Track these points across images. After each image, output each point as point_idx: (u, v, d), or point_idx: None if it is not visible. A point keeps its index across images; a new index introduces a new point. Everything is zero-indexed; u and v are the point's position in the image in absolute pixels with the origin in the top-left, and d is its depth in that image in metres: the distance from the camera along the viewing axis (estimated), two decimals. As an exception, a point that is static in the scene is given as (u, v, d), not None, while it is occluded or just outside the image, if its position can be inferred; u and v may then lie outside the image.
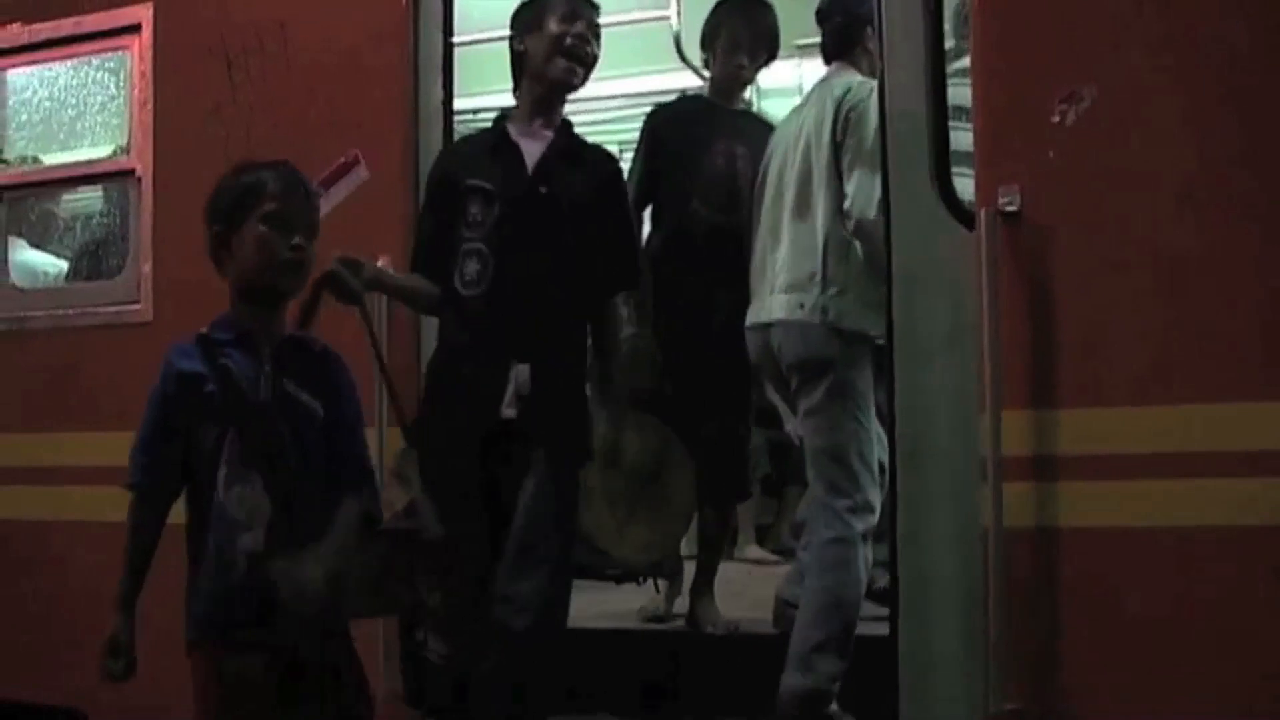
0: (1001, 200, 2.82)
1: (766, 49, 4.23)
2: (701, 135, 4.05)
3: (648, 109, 5.48)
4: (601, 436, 3.18)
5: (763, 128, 4.11)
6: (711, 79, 4.26)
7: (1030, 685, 2.74)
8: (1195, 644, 2.64)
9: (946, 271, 2.96)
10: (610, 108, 5.31)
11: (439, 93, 3.40)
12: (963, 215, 2.96)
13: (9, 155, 4.04)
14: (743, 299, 3.72)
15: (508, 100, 3.18)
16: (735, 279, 3.77)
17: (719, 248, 3.92)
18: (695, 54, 5.17)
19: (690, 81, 5.30)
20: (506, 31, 3.13)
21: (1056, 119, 2.82)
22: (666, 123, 4.15)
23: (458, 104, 3.51)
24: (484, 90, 4.27)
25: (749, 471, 4.29)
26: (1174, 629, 2.66)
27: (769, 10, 4.21)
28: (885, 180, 3.03)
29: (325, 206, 3.45)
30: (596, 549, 3.25)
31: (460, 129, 3.61)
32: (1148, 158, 2.77)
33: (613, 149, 5.52)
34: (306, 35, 3.56)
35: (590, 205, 3.01)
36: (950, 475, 2.92)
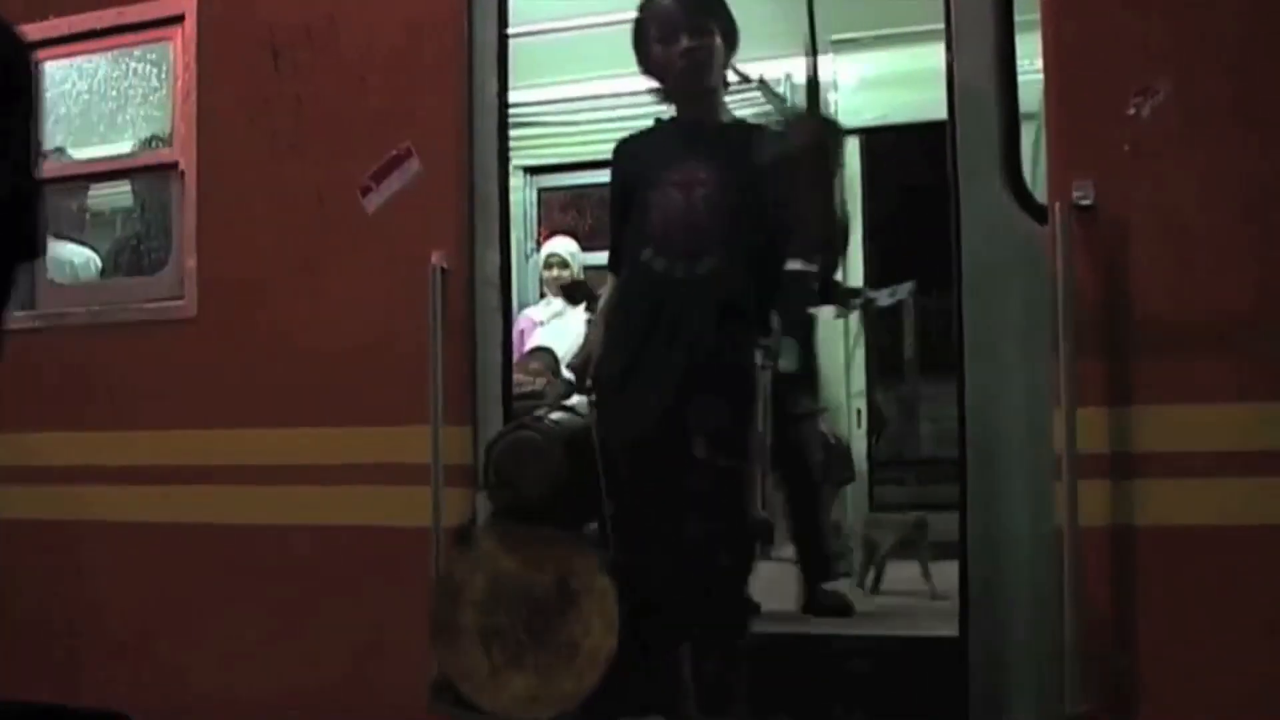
0: (1075, 194, 2.79)
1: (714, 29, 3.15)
2: (656, 165, 3.09)
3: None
4: (483, 555, 2.80)
5: (752, 138, 3.09)
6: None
7: (1106, 687, 2.71)
8: (1277, 646, 2.60)
9: (1017, 266, 2.92)
10: (648, 103, 5.22)
11: (494, 85, 3.34)
12: (1033, 209, 2.92)
13: (47, 148, 3.98)
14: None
15: (562, 92, 3.14)
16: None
17: (665, 303, 2.96)
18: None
19: (728, 76, 5.24)
20: (562, 23, 3.09)
21: (1131, 112, 2.79)
22: (628, 156, 3.22)
23: (512, 96, 3.44)
24: (539, 83, 4.23)
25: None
26: (1254, 630, 2.63)
27: None
28: (954, 174, 2.98)
29: (377, 200, 3.42)
30: (461, 697, 2.80)
31: (515, 121, 3.56)
32: (1223, 151, 2.74)
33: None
34: (356, 26, 3.50)
35: None
36: (1022, 474, 2.88)
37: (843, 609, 4.00)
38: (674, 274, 2.96)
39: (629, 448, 2.95)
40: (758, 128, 3.22)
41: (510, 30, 3.40)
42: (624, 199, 3.16)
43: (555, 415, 3.20)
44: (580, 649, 2.75)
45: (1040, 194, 2.93)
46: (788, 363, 3.80)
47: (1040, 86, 2.89)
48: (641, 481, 2.92)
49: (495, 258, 3.37)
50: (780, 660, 3.16)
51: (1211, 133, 2.75)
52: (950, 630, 2.95)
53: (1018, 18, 2.96)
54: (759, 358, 3.29)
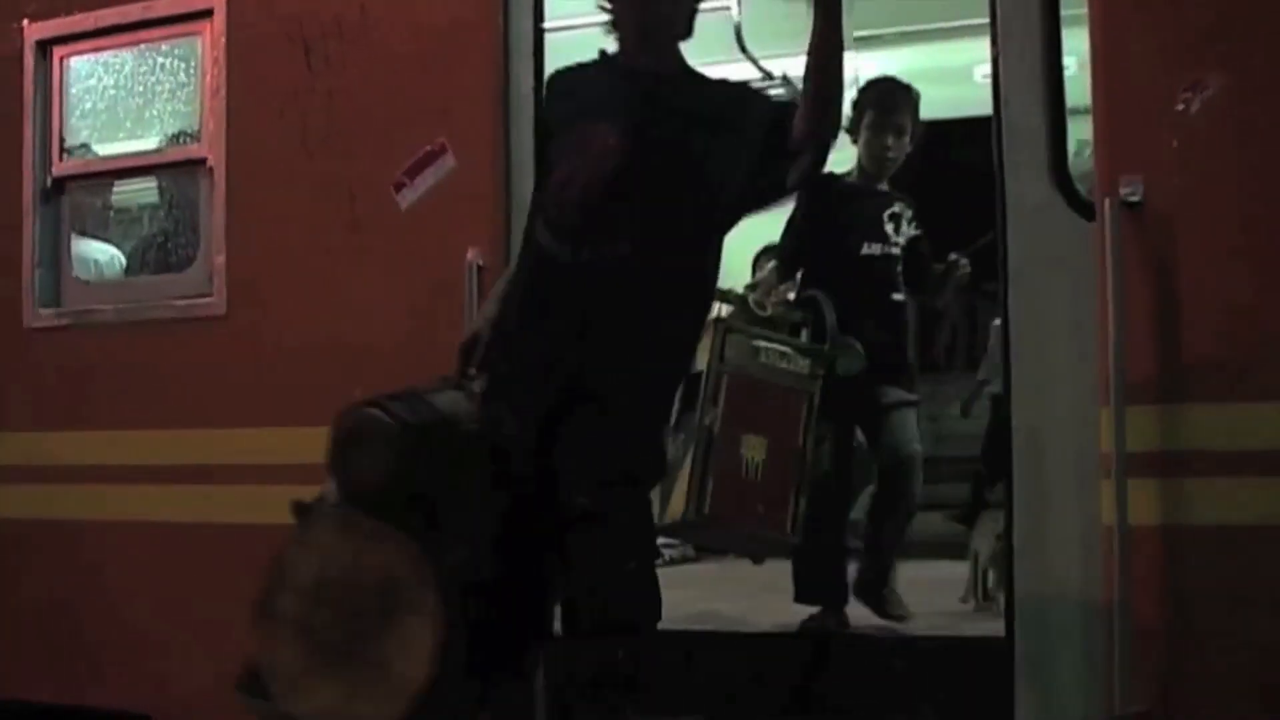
0: (1124, 190, 2.76)
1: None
2: (577, 113, 2.62)
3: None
4: (315, 537, 2.42)
5: (702, 89, 2.64)
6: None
7: (1158, 687, 2.68)
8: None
9: (1063, 263, 2.89)
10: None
11: (530, 80, 3.30)
12: (1080, 205, 2.89)
13: (71, 144, 3.95)
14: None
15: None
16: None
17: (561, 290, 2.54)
18: (755, 45, 5.12)
19: (750, 73, 5.22)
20: (599, 17, 3.05)
21: (1180, 107, 2.76)
22: (559, 93, 2.78)
23: (548, 91, 3.41)
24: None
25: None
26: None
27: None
28: (1000, 171, 2.96)
29: (411, 196, 3.39)
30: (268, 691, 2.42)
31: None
32: (1273, 146, 2.72)
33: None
34: (389, 20, 3.47)
35: None
36: (1069, 472, 2.86)
37: (901, 616, 3.73)
38: (576, 256, 2.47)
39: (516, 453, 2.47)
40: (722, 83, 2.69)
41: (548, 24, 3.37)
42: (543, 149, 2.67)
43: (439, 396, 2.63)
44: (390, 672, 2.31)
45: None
46: (846, 366, 3.45)
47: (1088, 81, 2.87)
48: (529, 493, 2.46)
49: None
50: (822, 660, 3.14)
51: (1262, 128, 2.72)
52: (996, 630, 2.93)
53: (1064, 12, 2.94)
54: (799, 363, 3.20)
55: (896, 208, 3.91)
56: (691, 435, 3.13)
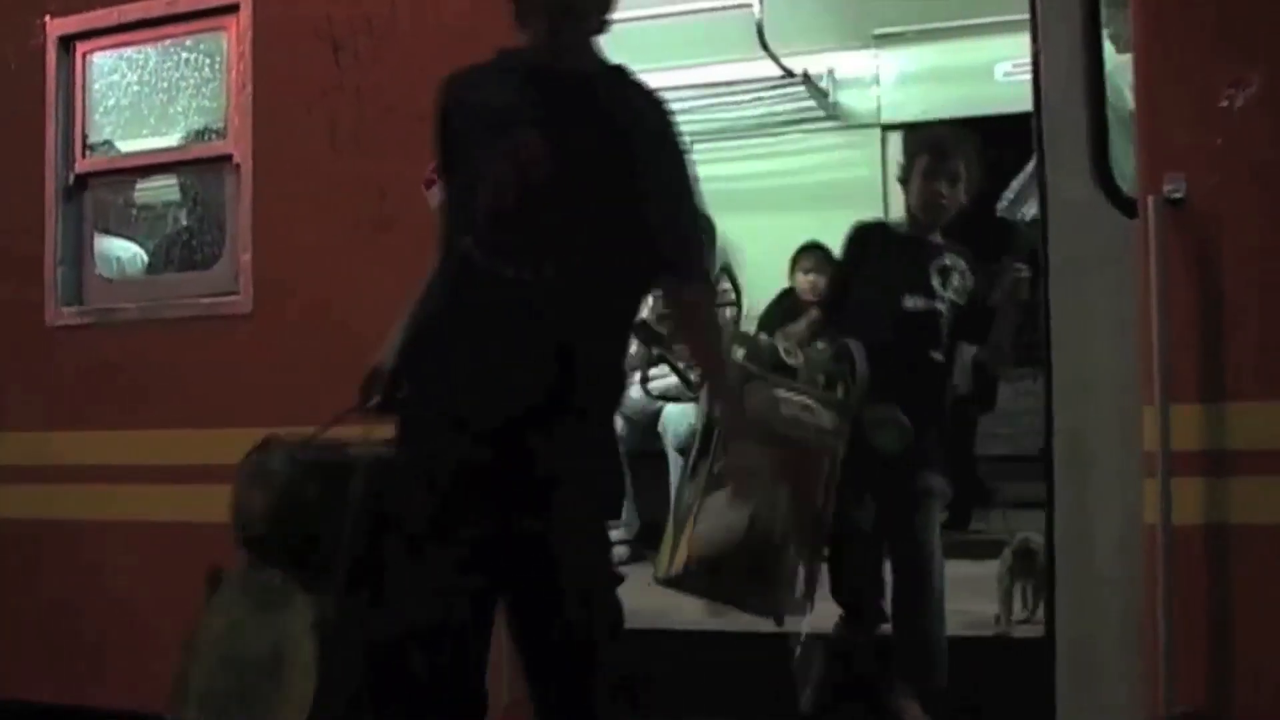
0: (1167, 187, 2.74)
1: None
2: (489, 120, 2.44)
3: (728, 99, 5.33)
4: (219, 603, 2.39)
5: (628, 92, 2.47)
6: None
7: (1204, 687, 2.66)
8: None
9: (1106, 261, 2.88)
10: (689, 98, 5.20)
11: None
12: (1122, 203, 2.88)
13: (94, 141, 3.91)
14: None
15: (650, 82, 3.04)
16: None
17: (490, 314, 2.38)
18: (777, 42, 5.10)
19: (771, 70, 5.21)
20: (640, 12, 3.03)
21: (1224, 104, 2.74)
22: (457, 100, 2.55)
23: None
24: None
25: None
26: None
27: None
28: (1041, 169, 2.94)
29: (441, 194, 3.35)
30: None
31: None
32: (1318, 143, 2.70)
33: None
34: (418, 14, 3.44)
35: None
36: (1111, 471, 2.84)
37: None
38: (502, 275, 2.30)
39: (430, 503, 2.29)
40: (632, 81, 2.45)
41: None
42: (448, 157, 2.49)
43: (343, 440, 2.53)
44: None
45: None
46: (887, 442, 3.25)
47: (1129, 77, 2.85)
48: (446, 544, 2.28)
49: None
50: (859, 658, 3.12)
51: (1308, 123, 2.71)
52: (1036, 631, 2.91)
53: (1105, 7, 2.92)
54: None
55: (947, 260, 3.59)
56: (702, 484, 2.96)
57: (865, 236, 3.67)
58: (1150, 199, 2.73)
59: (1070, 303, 2.90)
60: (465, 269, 2.36)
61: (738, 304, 5.01)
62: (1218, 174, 2.74)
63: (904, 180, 3.67)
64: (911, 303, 3.54)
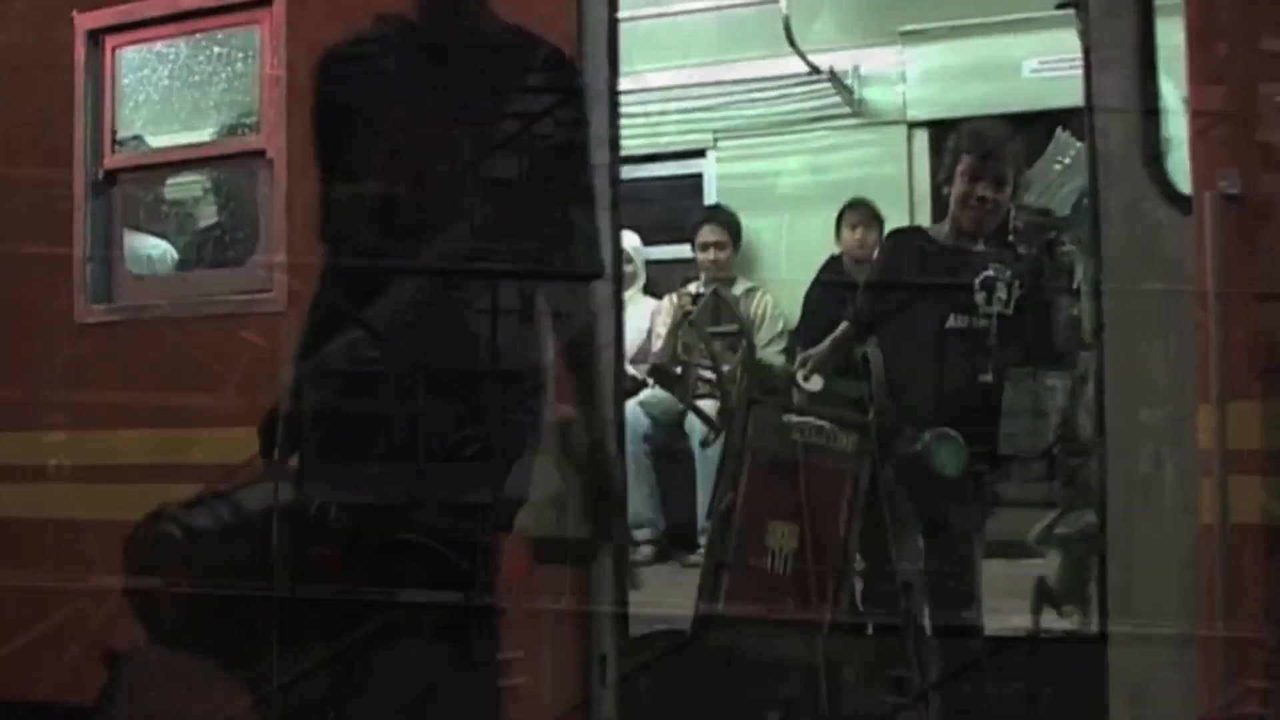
0: (1221, 183, 2.72)
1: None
2: (375, 99, 2.26)
3: (754, 96, 5.29)
4: (126, 689, 2.26)
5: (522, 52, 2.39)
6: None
7: (1258, 689, 2.64)
8: None
9: (1160, 257, 2.85)
10: (714, 95, 5.16)
11: (605, 73, 3.24)
12: (1176, 199, 2.85)
13: (123, 136, 3.87)
14: None
15: (674, 78, 3.05)
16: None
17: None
18: (804, 39, 5.08)
19: (797, 67, 5.18)
20: (676, 7, 3.00)
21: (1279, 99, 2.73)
22: (334, 77, 2.42)
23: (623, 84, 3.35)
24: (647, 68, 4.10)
25: None
26: None
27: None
28: (1092, 165, 2.92)
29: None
30: None
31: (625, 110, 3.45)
32: (1374, 139, 2.68)
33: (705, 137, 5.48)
34: (458, 10, 3.39)
35: None
36: (1165, 470, 2.81)
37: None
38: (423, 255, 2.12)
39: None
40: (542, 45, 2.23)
41: (622, 14, 3.31)
42: (325, 144, 2.24)
43: (247, 494, 2.40)
44: None
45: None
46: (946, 462, 3.11)
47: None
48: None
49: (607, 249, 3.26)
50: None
51: (1363, 119, 2.69)
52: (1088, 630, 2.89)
53: (1158, 2, 2.90)
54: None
55: (991, 271, 3.38)
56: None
57: (902, 246, 3.47)
58: (1205, 195, 2.71)
59: (1123, 299, 2.88)
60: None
61: (744, 331, 4.88)
62: (1273, 169, 2.73)
63: (941, 181, 3.50)
64: (955, 322, 3.37)
